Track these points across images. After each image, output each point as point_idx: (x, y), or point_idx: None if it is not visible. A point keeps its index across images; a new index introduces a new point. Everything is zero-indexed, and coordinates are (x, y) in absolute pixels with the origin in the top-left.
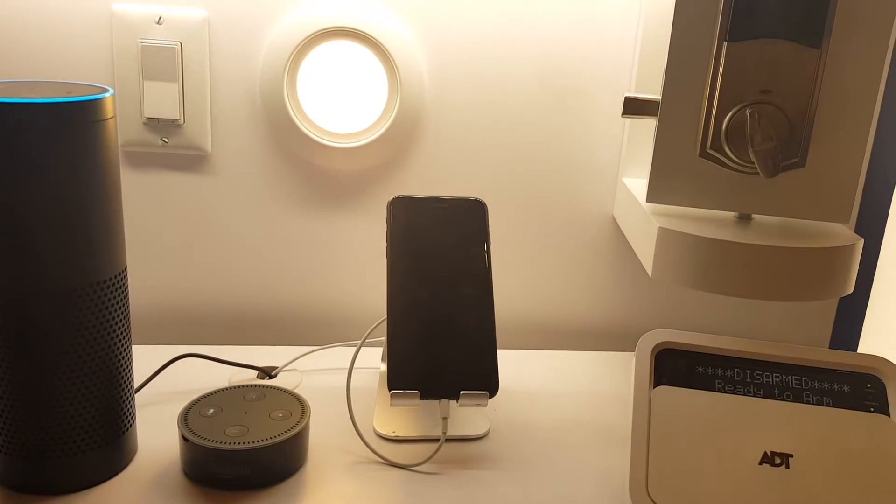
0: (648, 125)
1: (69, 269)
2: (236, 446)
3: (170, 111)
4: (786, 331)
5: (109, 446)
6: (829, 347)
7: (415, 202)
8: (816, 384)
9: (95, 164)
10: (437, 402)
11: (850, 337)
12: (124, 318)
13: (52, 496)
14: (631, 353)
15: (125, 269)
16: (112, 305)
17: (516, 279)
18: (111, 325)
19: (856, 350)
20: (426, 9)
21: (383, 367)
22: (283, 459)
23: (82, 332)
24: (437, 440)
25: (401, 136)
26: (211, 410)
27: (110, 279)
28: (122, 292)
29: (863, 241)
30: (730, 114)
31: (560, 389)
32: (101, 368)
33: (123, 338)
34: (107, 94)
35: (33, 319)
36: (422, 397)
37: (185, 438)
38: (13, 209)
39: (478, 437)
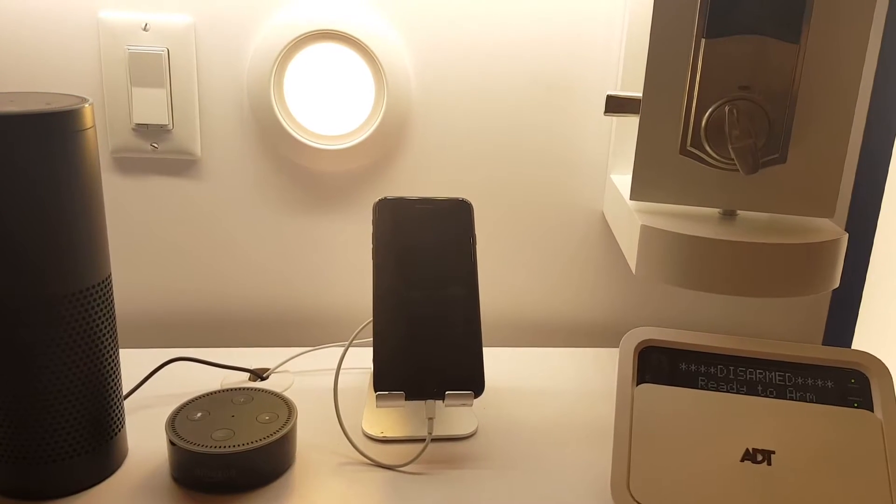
0: (636, 122)
1: (53, 276)
2: (221, 450)
3: (159, 117)
4: (779, 327)
5: (98, 451)
6: (823, 344)
7: (400, 203)
8: (800, 380)
9: (77, 174)
10: (423, 402)
11: (844, 333)
12: (110, 323)
13: (41, 501)
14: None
15: (110, 275)
16: (98, 312)
17: (506, 277)
18: (97, 331)
19: (850, 346)
20: (411, 10)
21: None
22: (268, 462)
23: (68, 339)
24: (424, 440)
25: (388, 138)
26: (199, 414)
27: (95, 286)
28: (108, 298)
29: (847, 235)
30: (709, 111)
31: (549, 387)
32: (88, 374)
33: (110, 343)
34: (85, 105)
35: (18, 326)
36: (407, 398)
37: (171, 443)
38: None
39: (466, 437)
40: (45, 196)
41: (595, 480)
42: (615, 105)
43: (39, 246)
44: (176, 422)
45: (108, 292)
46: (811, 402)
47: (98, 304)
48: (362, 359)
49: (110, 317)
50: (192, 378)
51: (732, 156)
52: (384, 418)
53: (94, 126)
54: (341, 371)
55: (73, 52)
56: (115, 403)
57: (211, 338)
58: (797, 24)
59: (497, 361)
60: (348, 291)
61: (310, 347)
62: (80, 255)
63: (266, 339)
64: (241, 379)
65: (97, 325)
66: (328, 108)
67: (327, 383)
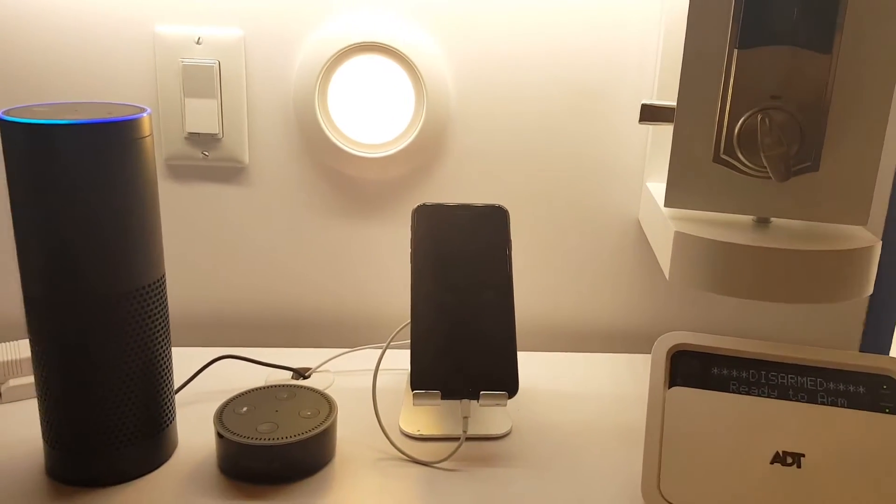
0: (670, 130)
1: (112, 275)
2: (266, 442)
3: (209, 126)
4: (815, 333)
5: (150, 442)
6: (860, 350)
7: (438, 209)
8: (831, 385)
9: (135, 179)
10: (458, 402)
11: (881, 339)
12: (164, 320)
13: (97, 488)
14: None
15: (164, 275)
16: (152, 309)
17: (541, 283)
18: (152, 328)
19: (888, 352)
20: (451, 23)
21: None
22: (310, 455)
23: (125, 334)
24: (459, 438)
25: (427, 146)
26: (244, 408)
27: (150, 285)
28: (161, 297)
29: (881, 243)
30: (741, 120)
31: (582, 391)
32: (143, 367)
33: (163, 339)
34: (144, 114)
35: (80, 322)
36: (443, 397)
37: (219, 435)
38: (62, 221)
39: (500, 437)
40: (105, 200)
41: (627, 481)
42: (650, 114)
43: (100, 246)
44: (223, 415)
45: (162, 291)
46: (842, 406)
47: (153, 302)
48: (399, 360)
49: (164, 314)
50: (236, 376)
51: (765, 164)
52: (420, 417)
53: (151, 134)
54: (379, 371)
55: (131, 64)
56: (167, 397)
57: (254, 338)
58: (829, 34)
59: (531, 365)
60: (386, 295)
61: (348, 349)
62: (137, 255)
63: (307, 340)
64: (283, 377)
65: (152, 322)
66: (370, 117)
67: (365, 383)
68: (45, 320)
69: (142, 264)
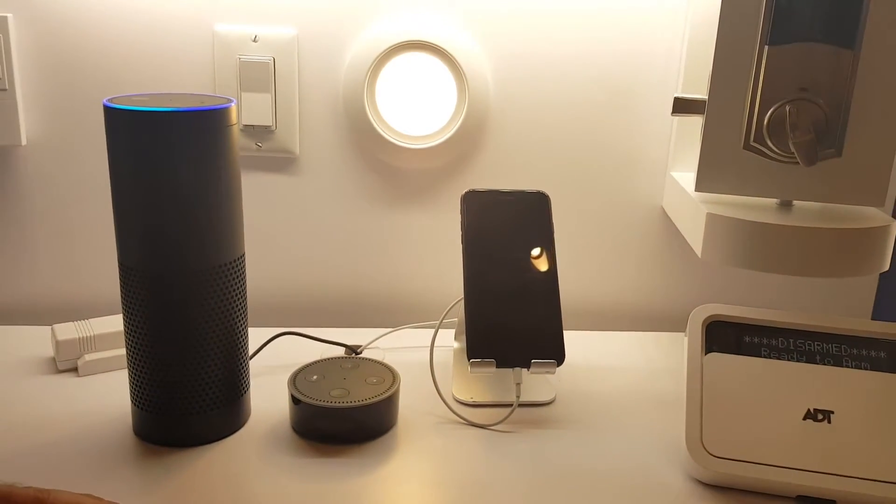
0: (694, 124)
1: (203, 251)
2: (341, 405)
3: (264, 119)
4: (830, 307)
5: (230, 406)
6: (872, 319)
7: (486, 195)
8: (855, 350)
9: (226, 164)
10: (510, 370)
11: (890, 311)
12: (243, 296)
13: (184, 448)
14: (680, 333)
15: (244, 254)
16: (234, 284)
17: (575, 266)
18: (233, 301)
19: None
20: (490, 23)
21: (457, 344)
22: (379, 417)
23: (209, 307)
24: (509, 405)
25: (468, 137)
26: (315, 377)
27: (233, 261)
28: (242, 273)
29: None
30: (770, 110)
31: (617, 364)
32: (225, 337)
33: (241, 313)
34: (232, 104)
35: (171, 293)
36: (498, 366)
37: (295, 399)
38: (162, 200)
39: (545, 403)
40: (202, 181)
41: (668, 439)
42: (681, 106)
43: (194, 223)
44: (296, 382)
45: (242, 268)
46: (865, 369)
47: (235, 277)
48: (444, 338)
49: (243, 290)
50: (291, 353)
51: (793, 150)
52: (472, 386)
53: (237, 123)
54: (424, 348)
55: (192, 60)
56: (244, 366)
57: (304, 319)
58: (853, 31)
59: (567, 343)
60: (429, 278)
61: (395, 327)
62: (225, 233)
63: (354, 320)
64: (336, 354)
65: (233, 296)
66: (415, 110)
67: (414, 357)
68: (139, 290)
69: (228, 241)
